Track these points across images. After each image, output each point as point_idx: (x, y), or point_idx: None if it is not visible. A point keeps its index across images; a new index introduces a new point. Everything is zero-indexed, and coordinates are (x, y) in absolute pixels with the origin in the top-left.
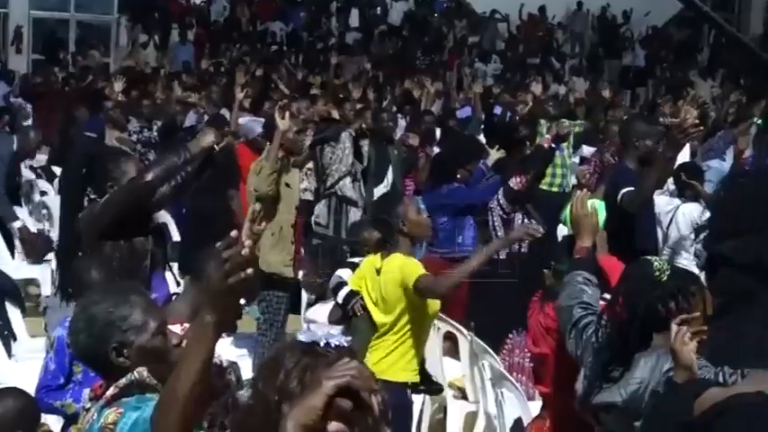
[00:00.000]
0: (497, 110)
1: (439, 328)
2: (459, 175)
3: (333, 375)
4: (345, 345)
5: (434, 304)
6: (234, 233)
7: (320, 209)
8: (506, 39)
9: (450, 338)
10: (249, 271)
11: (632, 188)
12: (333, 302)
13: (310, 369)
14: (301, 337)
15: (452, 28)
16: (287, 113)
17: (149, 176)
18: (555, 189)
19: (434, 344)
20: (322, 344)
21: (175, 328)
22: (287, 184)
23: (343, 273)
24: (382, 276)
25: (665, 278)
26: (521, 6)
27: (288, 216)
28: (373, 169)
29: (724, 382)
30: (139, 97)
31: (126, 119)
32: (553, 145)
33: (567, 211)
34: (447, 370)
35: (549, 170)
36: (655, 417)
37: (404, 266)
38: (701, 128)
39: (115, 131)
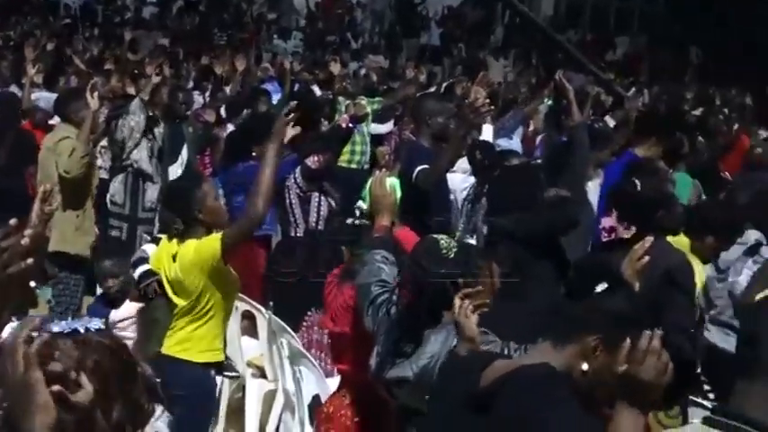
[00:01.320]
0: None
1: (237, 308)
2: (254, 153)
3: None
4: (103, 327)
5: (234, 283)
6: (13, 221)
7: (116, 187)
8: (306, 16)
9: (248, 317)
10: (30, 260)
11: (426, 166)
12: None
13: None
14: (56, 329)
15: (251, 4)
16: (96, 93)
17: None
18: (354, 166)
19: (232, 323)
20: (83, 331)
21: None
22: (90, 164)
23: (149, 248)
24: (178, 261)
25: (452, 255)
26: None
27: (91, 197)
28: (167, 148)
29: (509, 355)
30: None
31: None
32: (351, 125)
33: (367, 189)
34: (245, 349)
35: (348, 147)
36: (441, 389)
37: (199, 246)
38: (492, 107)
39: None
